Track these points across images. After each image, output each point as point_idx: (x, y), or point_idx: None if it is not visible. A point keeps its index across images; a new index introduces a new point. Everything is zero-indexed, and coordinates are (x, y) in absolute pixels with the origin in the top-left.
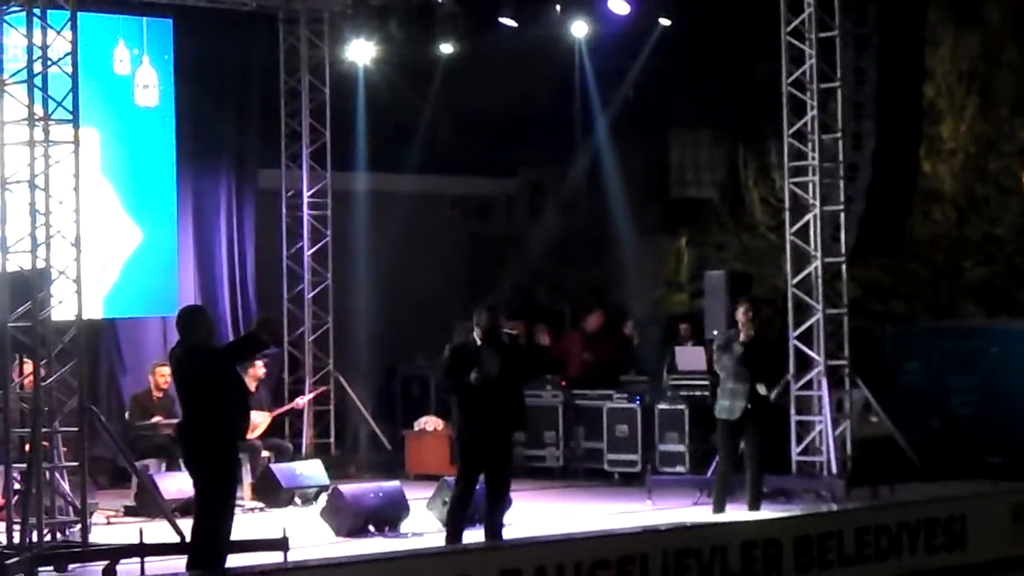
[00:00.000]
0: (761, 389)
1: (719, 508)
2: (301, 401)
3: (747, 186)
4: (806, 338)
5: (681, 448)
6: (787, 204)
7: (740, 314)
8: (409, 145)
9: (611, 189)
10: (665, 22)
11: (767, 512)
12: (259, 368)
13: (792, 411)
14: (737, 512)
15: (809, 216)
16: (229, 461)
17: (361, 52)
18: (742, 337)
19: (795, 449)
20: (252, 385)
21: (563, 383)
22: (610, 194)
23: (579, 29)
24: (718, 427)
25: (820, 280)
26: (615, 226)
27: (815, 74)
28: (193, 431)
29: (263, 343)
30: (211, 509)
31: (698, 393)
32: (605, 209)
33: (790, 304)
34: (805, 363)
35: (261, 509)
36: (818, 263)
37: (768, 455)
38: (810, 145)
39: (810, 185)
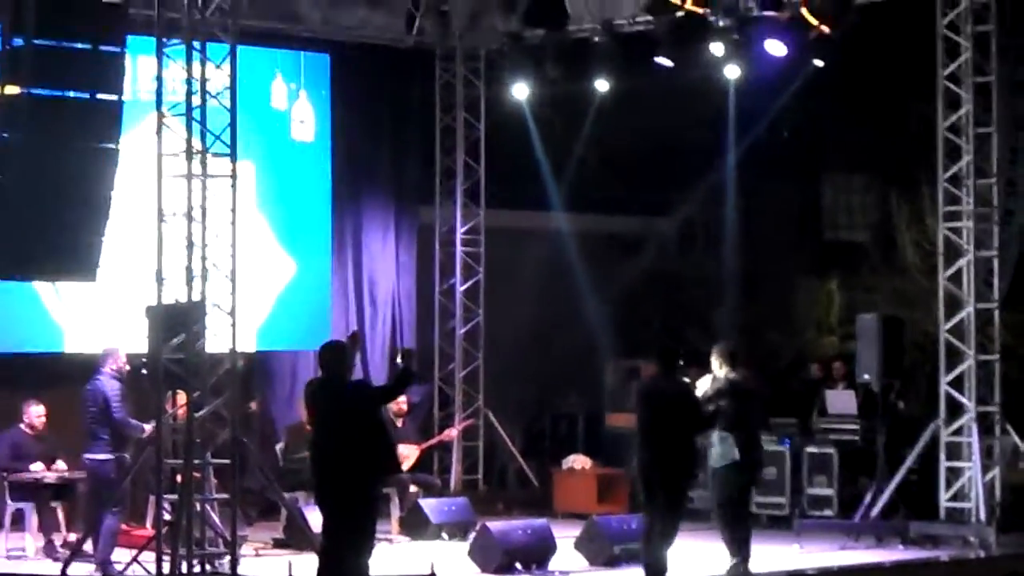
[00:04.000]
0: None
1: None
2: (452, 433)
3: (899, 229)
4: (957, 384)
5: (830, 492)
6: (940, 249)
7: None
8: (562, 183)
9: (763, 231)
10: (819, 63)
11: (916, 556)
12: (402, 403)
13: (942, 457)
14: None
15: (962, 261)
16: (360, 499)
17: (520, 91)
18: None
19: (944, 495)
20: (398, 421)
21: None
22: (762, 236)
23: (732, 71)
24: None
25: (973, 325)
26: (767, 267)
27: (971, 119)
28: (325, 465)
29: (412, 376)
30: (335, 548)
31: (847, 437)
32: (757, 250)
33: (942, 349)
34: (956, 409)
35: (409, 543)
36: (971, 308)
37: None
38: (964, 190)
39: (964, 230)
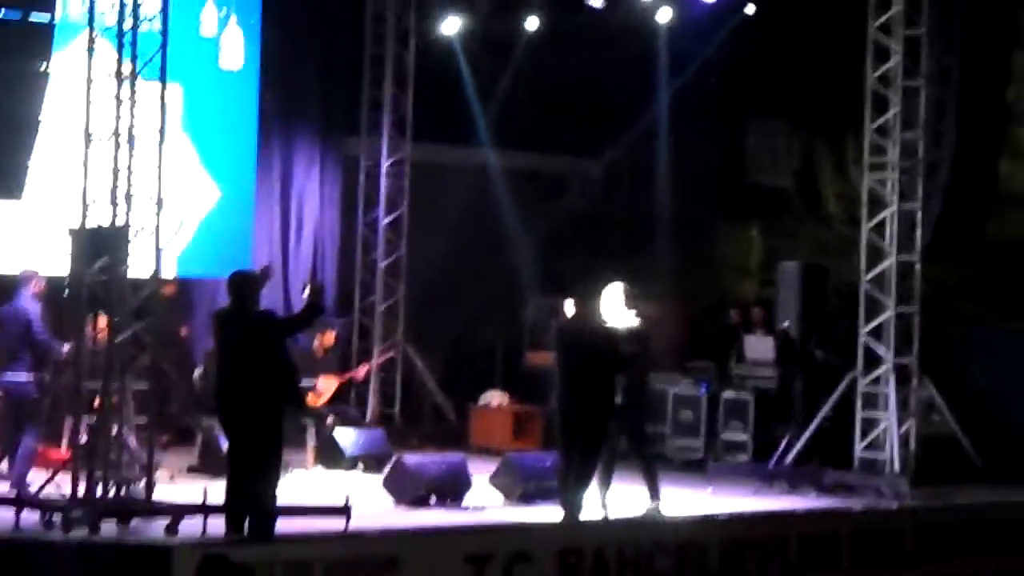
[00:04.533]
0: None
1: None
2: (361, 373)
3: (823, 178)
4: (876, 334)
5: (745, 438)
6: (864, 199)
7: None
8: (489, 119)
9: (687, 175)
10: (750, 10)
11: (829, 504)
12: (330, 336)
13: (858, 407)
14: (798, 502)
15: (886, 213)
16: (264, 427)
17: (451, 25)
18: None
19: (859, 445)
20: (320, 353)
21: None
22: (686, 179)
23: (664, 15)
24: None
25: (894, 277)
26: (689, 211)
27: (900, 71)
28: (229, 394)
29: (319, 310)
30: (239, 475)
31: (764, 383)
32: (680, 194)
33: (862, 299)
34: (873, 359)
35: (324, 474)
36: (892, 260)
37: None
38: (891, 142)
39: (889, 181)
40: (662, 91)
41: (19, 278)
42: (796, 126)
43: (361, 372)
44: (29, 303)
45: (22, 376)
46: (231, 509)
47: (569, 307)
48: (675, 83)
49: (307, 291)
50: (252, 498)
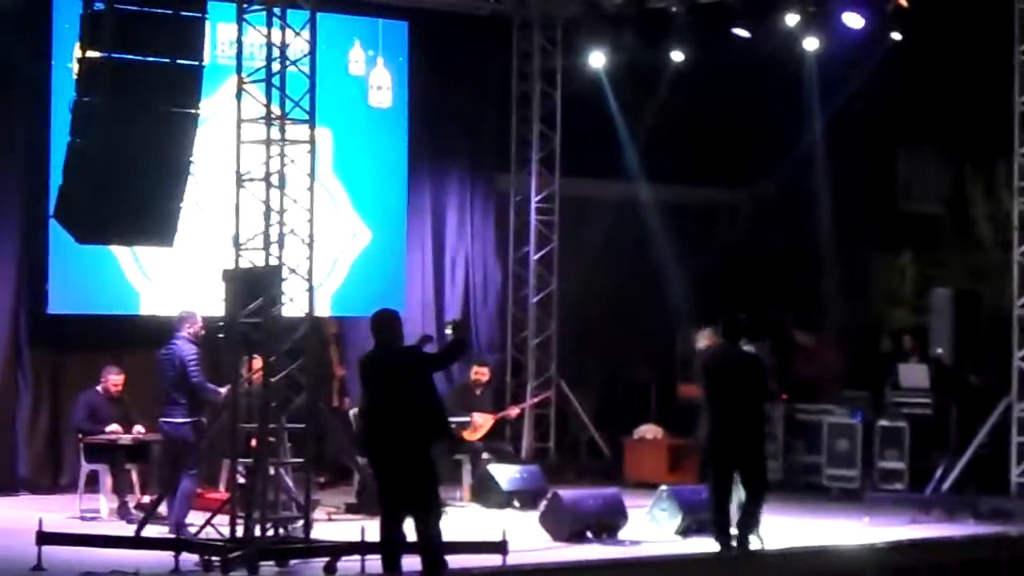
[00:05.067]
0: None
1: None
2: (514, 412)
3: (973, 203)
4: None
5: (901, 466)
6: (1016, 223)
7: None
8: (636, 152)
9: (838, 203)
10: (897, 36)
11: (987, 531)
12: (483, 372)
13: (1014, 432)
14: (956, 530)
15: None
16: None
17: (596, 60)
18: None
19: (1015, 470)
20: (475, 389)
21: (784, 396)
22: (836, 208)
23: (811, 43)
24: None
25: None
26: (840, 240)
27: None
28: (378, 432)
29: (464, 347)
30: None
31: (919, 411)
32: (830, 223)
33: (1015, 324)
34: None
35: (480, 511)
36: None
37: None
38: None
39: None
40: (812, 120)
41: (176, 319)
42: (945, 151)
43: (515, 411)
44: (185, 345)
45: (179, 419)
46: (386, 547)
47: (702, 338)
48: (823, 112)
49: (450, 328)
50: (420, 536)
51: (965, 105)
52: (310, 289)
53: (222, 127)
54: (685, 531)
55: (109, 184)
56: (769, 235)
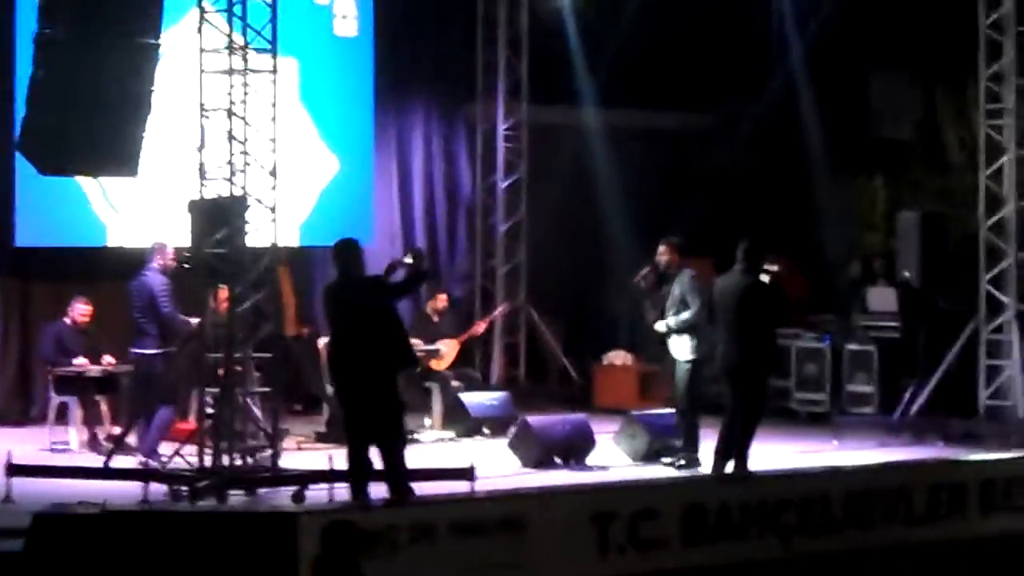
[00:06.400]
0: (659, 326)
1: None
2: (481, 327)
3: (944, 127)
4: (997, 282)
5: (870, 389)
6: (982, 146)
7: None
8: (602, 77)
9: (808, 128)
10: None
11: (954, 455)
12: (442, 299)
13: (982, 355)
14: (925, 452)
15: (1004, 159)
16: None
17: None
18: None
19: (984, 393)
20: (436, 317)
21: None
22: (807, 133)
23: None
24: None
25: (1013, 223)
26: (811, 165)
27: (1012, 16)
28: (343, 361)
29: (423, 276)
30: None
31: (888, 334)
32: (801, 148)
33: (982, 247)
34: (996, 307)
35: (450, 439)
36: (1011, 206)
37: (952, 399)
38: (1006, 88)
39: (1005, 128)
40: (783, 45)
41: (148, 251)
42: (916, 76)
43: (480, 327)
44: (156, 276)
45: (149, 349)
46: (354, 476)
47: (661, 253)
48: (795, 37)
49: (410, 257)
50: (386, 465)
51: (935, 29)
52: (274, 219)
53: (186, 58)
54: (652, 456)
55: (72, 115)
56: (736, 160)
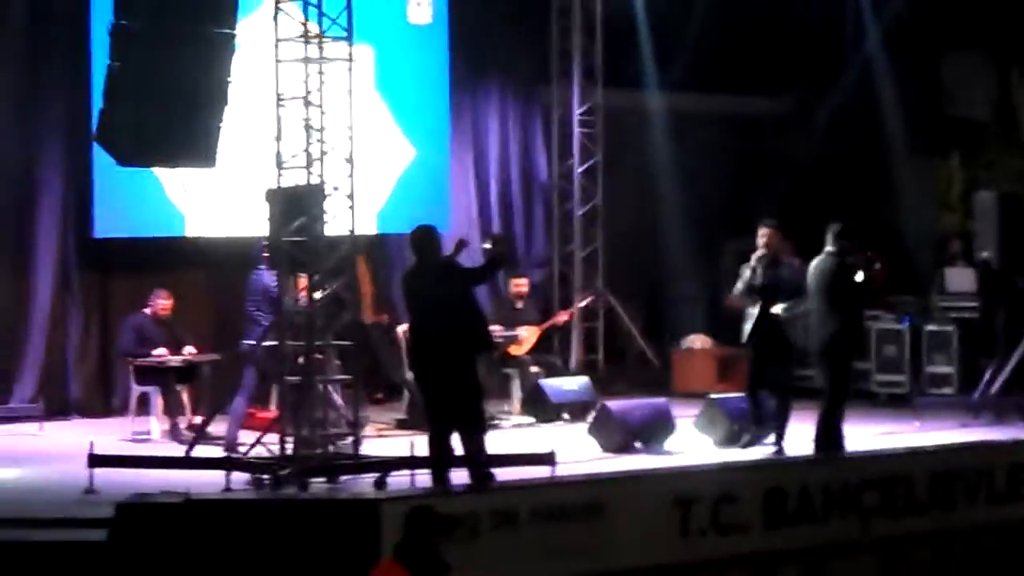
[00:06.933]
0: (776, 310)
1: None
2: (562, 317)
3: (1019, 106)
4: None
5: (949, 370)
6: None
7: (758, 237)
8: (679, 62)
9: (884, 109)
10: None
11: None
12: (522, 284)
13: None
14: (1005, 433)
15: None
16: (460, 378)
17: None
18: (751, 260)
19: None
20: (517, 302)
21: None
22: (882, 114)
23: None
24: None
25: None
26: (887, 146)
27: None
28: (421, 347)
29: (501, 261)
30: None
31: (967, 315)
32: (877, 130)
33: None
34: None
35: (530, 424)
36: None
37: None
38: None
39: None
40: (859, 27)
41: (256, 246)
42: (990, 56)
43: (563, 317)
44: (267, 272)
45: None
46: (435, 462)
47: (762, 236)
48: (869, 19)
49: (489, 242)
50: (467, 450)
51: (1012, 9)
52: (351, 206)
53: (262, 47)
54: (732, 439)
55: (149, 106)
56: (814, 144)
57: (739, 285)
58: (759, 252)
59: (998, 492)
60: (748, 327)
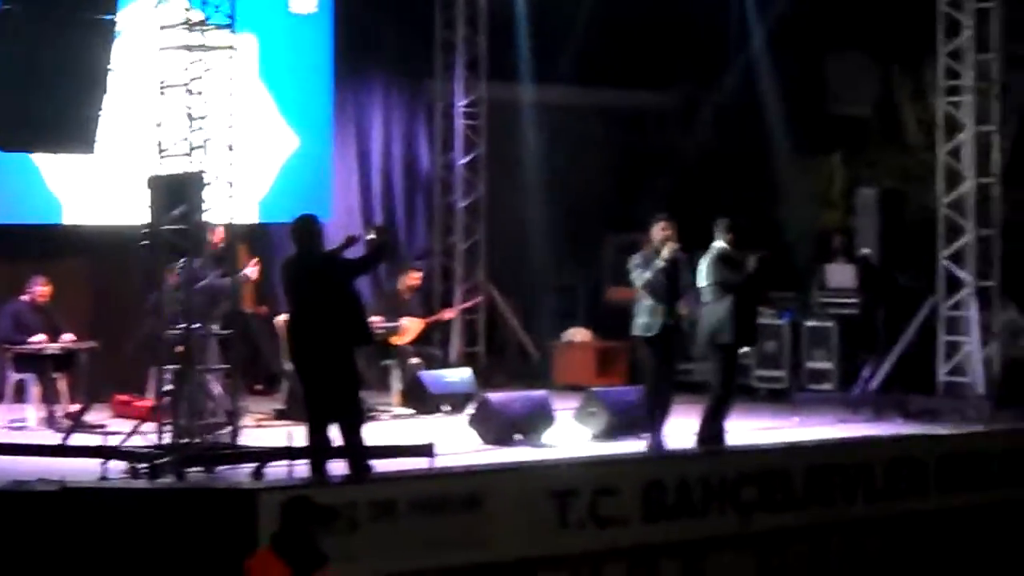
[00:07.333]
0: (682, 308)
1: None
2: (449, 314)
3: (902, 104)
4: (956, 259)
5: (829, 366)
6: (940, 123)
7: (657, 231)
8: (563, 55)
9: (768, 106)
10: None
11: (914, 430)
12: (413, 277)
13: (941, 331)
14: (884, 429)
15: (962, 136)
16: (339, 370)
17: None
18: (664, 254)
19: (942, 369)
20: (406, 294)
21: None
22: (767, 111)
23: None
24: (637, 345)
25: (972, 200)
26: (771, 143)
27: None
28: (299, 338)
29: (383, 252)
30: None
31: (847, 311)
32: (761, 126)
33: (941, 224)
34: (955, 284)
35: (410, 416)
36: (971, 183)
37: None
38: (965, 65)
39: (964, 105)
40: (741, 25)
41: None
42: (874, 53)
43: (449, 313)
44: None
45: None
46: (314, 452)
47: (657, 230)
48: (753, 17)
49: (372, 233)
50: (345, 441)
51: (894, 9)
52: (232, 196)
53: (145, 34)
54: (611, 432)
55: (27, 91)
56: (695, 139)
57: (646, 275)
58: (673, 246)
59: (876, 488)
60: (645, 321)
